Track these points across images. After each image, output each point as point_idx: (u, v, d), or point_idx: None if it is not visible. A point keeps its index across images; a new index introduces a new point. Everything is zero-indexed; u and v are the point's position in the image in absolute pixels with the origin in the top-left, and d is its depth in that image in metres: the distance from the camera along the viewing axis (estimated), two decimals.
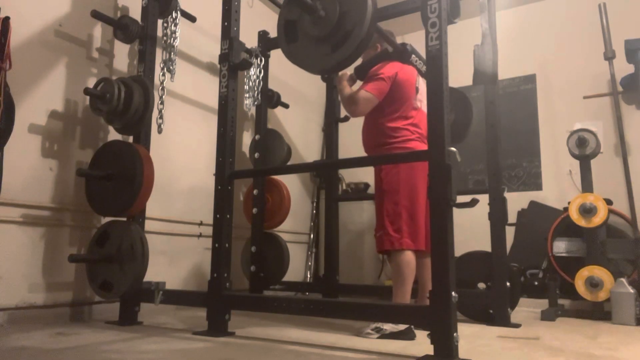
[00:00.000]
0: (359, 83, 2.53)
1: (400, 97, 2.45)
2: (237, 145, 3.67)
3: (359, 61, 2.33)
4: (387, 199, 2.40)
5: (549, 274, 3.37)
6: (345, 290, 3.62)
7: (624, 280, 2.86)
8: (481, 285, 2.96)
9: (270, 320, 2.73)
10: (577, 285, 3.02)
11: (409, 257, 2.33)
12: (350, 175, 4.69)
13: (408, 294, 2.32)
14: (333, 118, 3.85)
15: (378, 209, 2.49)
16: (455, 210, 1.78)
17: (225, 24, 2.39)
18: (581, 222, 3.09)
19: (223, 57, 2.37)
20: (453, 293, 1.67)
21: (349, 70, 2.49)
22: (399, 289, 2.31)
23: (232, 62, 2.35)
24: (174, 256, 3.22)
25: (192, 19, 3.23)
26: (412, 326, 2.18)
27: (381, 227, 2.42)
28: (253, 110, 3.82)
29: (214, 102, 2.67)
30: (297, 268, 4.37)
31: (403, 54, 2.47)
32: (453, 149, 1.82)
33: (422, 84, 2.51)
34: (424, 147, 2.42)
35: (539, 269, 3.62)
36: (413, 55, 2.48)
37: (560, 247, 3.39)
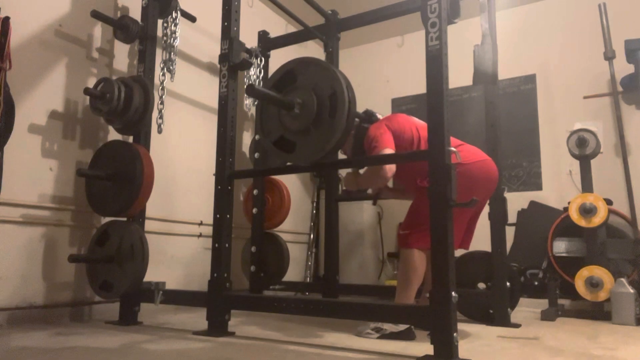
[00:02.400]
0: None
1: (409, 132, 2.38)
2: (237, 145, 3.67)
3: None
4: (425, 205, 2.30)
5: (549, 274, 3.37)
6: (345, 290, 3.61)
7: (624, 280, 2.86)
8: (481, 285, 2.96)
9: (270, 320, 2.73)
10: (577, 285, 3.02)
11: (417, 260, 2.27)
12: None
13: (412, 296, 2.29)
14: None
15: (413, 211, 2.39)
16: None
17: (225, 24, 2.39)
18: (581, 222, 3.09)
19: (223, 57, 2.37)
20: (453, 293, 1.67)
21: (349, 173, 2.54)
22: (403, 290, 2.28)
23: (232, 62, 2.35)
24: (174, 256, 3.22)
25: (192, 19, 3.23)
26: (412, 326, 2.18)
27: (409, 227, 2.33)
28: (253, 110, 3.82)
29: (214, 102, 2.67)
30: (297, 268, 4.37)
31: (371, 117, 2.50)
32: (453, 149, 1.82)
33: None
34: (475, 148, 2.42)
35: (539, 269, 3.62)
36: (376, 114, 2.52)
37: (560, 247, 3.39)
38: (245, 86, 3.54)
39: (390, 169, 2.27)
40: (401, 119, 2.46)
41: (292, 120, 2.06)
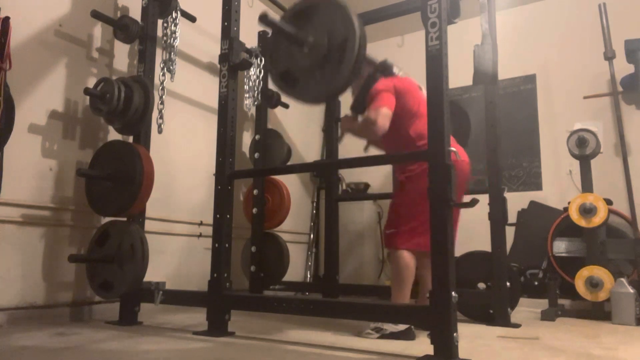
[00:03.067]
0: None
1: (410, 102, 2.40)
2: (237, 145, 3.66)
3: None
4: (406, 200, 2.35)
5: (549, 274, 3.37)
6: (345, 290, 3.62)
7: (624, 280, 2.86)
8: (481, 285, 2.96)
9: (270, 320, 2.73)
10: (577, 285, 3.02)
11: (408, 258, 2.31)
12: (350, 175, 4.69)
13: (407, 295, 2.31)
14: (333, 118, 3.85)
15: (394, 208, 2.45)
16: None
17: (225, 24, 2.39)
18: (581, 222, 3.09)
19: (223, 57, 2.37)
20: (453, 293, 1.67)
21: (348, 113, 2.50)
22: (398, 290, 2.31)
23: (232, 62, 2.35)
24: (174, 256, 3.23)
25: (192, 19, 3.23)
26: (412, 326, 2.18)
27: (392, 225, 2.38)
28: (253, 110, 3.82)
29: (214, 102, 2.67)
30: (297, 268, 4.37)
31: (386, 69, 2.48)
32: (453, 149, 1.82)
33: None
34: (458, 146, 2.41)
35: (539, 269, 3.62)
36: (394, 67, 2.49)
37: (560, 247, 3.39)
38: (246, 76, 3.56)
39: (383, 126, 2.29)
40: (410, 86, 2.46)
41: (300, 57, 2.02)
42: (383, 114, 2.29)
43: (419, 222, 2.28)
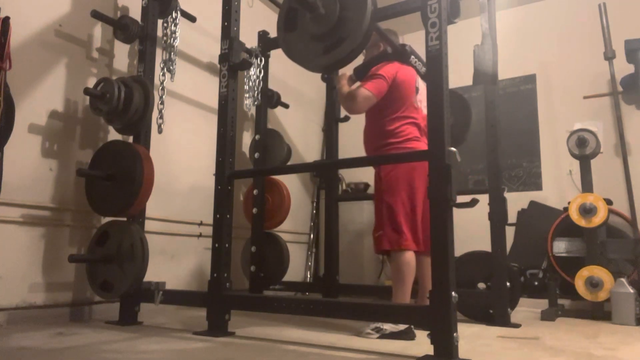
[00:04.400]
0: (358, 84, 2.52)
1: (400, 97, 2.44)
2: (237, 145, 3.67)
3: (360, 59, 2.31)
4: (387, 199, 2.40)
5: (549, 274, 3.37)
6: (345, 290, 3.61)
7: (624, 280, 2.86)
8: (481, 285, 2.96)
9: (270, 320, 2.73)
10: (577, 285, 3.02)
11: (408, 257, 2.33)
12: (350, 175, 4.69)
13: (408, 294, 2.32)
14: (333, 118, 3.85)
15: (377, 209, 2.49)
16: (455, 210, 1.78)
17: (225, 24, 2.39)
18: (581, 222, 3.09)
19: (223, 57, 2.37)
20: (453, 293, 1.67)
21: (349, 71, 2.49)
22: (398, 289, 2.32)
23: (232, 62, 2.35)
24: (174, 256, 3.23)
25: (192, 19, 3.23)
26: (412, 326, 2.18)
27: (380, 227, 2.42)
28: (253, 110, 3.82)
29: (214, 102, 2.67)
30: (297, 268, 4.37)
31: (403, 54, 2.45)
32: (453, 149, 1.82)
33: (422, 85, 2.51)
34: (424, 147, 2.41)
35: (539, 269, 3.62)
36: (412, 57, 2.45)
37: (560, 247, 3.39)
38: (246, 76, 3.55)
39: (360, 108, 2.38)
40: (408, 84, 2.48)
41: (311, 23, 1.97)
42: (367, 98, 2.35)
43: (403, 218, 2.33)
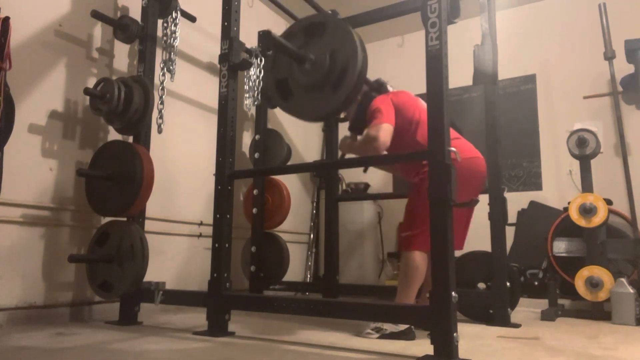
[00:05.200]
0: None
1: (410, 112, 2.39)
2: (237, 145, 3.67)
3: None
4: (421, 202, 2.18)
5: (549, 274, 3.37)
6: (345, 290, 3.61)
7: (624, 280, 2.86)
8: (481, 285, 2.96)
9: (270, 320, 2.73)
10: (577, 285, 3.02)
11: (418, 261, 2.26)
12: (350, 175, 4.69)
13: (412, 297, 2.29)
14: (333, 118, 3.85)
15: (409, 210, 2.40)
16: None
17: (225, 24, 2.39)
18: (581, 222, 3.09)
19: (223, 57, 2.37)
20: (453, 293, 1.67)
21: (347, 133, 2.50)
22: (403, 291, 2.27)
23: (232, 62, 2.35)
24: (174, 256, 3.22)
25: (192, 19, 3.23)
26: (412, 326, 2.18)
27: (409, 228, 2.33)
28: (253, 110, 3.82)
29: (214, 102, 2.67)
30: (297, 268, 4.37)
31: (381, 87, 2.51)
32: (453, 149, 1.82)
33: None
34: (468, 143, 2.42)
35: (539, 269, 3.62)
36: (388, 85, 2.54)
37: (560, 247, 3.39)
38: (246, 76, 3.57)
39: (384, 142, 2.26)
40: (406, 97, 2.47)
41: (300, 73, 2.04)
42: (384, 129, 2.27)
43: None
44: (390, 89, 2.56)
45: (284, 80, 2.12)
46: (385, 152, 2.32)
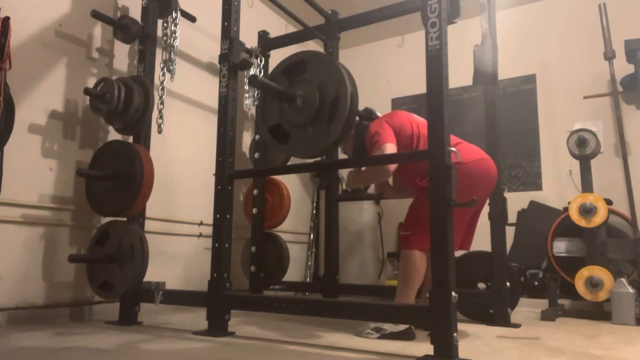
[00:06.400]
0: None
1: (409, 128, 2.38)
2: (237, 145, 3.67)
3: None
4: (426, 205, 2.22)
5: (549, 274, 3.37)
6: (345, 290, 3.61)
7: (624, 280, 2.86)
8: (481, 285, 2.96)
9: (270, 320, 2.73)
10: (577, 285, 3.02)
11: (418, 260, 2.26)
12: None
13: (412, 297, 2.29)
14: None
15: (413, 211, 2.38)
16: None
17: (225, 24, 2.39)
18: (581, 222, 3.09)
19: (223, 57, 2.37)
20: (453, 293, 1.67)
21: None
22: (402, 291, 2.27)
23: (232, 62, 2.35)
24: (174, 256, 3.23)
25: (192, 19, 3.23)
26: (412, 326, 2.18)
27: (410, 227, 2.32)
28: (253, 110, 3.82)
29: (214, 102, 2.67)
30: (297, 268, 4.37)
31: (371, 115, 2.53)
32: (453, 149, 1.82)
33: None
34: (473, 146, 2.42)
35: (539, 269, 3.62)
36: (377, 113, 2.56)
37: (560, 247, 3.39)
38: (246, 76, 3.57)
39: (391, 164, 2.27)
40: (401, 116, 2.46)
41: (292, 112, 2.07)
42: (388, 149, 2.26)
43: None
44: (378, 114, 2.55)
45: (278, 126, 2.15)
46: (392, 171, 2.30)
